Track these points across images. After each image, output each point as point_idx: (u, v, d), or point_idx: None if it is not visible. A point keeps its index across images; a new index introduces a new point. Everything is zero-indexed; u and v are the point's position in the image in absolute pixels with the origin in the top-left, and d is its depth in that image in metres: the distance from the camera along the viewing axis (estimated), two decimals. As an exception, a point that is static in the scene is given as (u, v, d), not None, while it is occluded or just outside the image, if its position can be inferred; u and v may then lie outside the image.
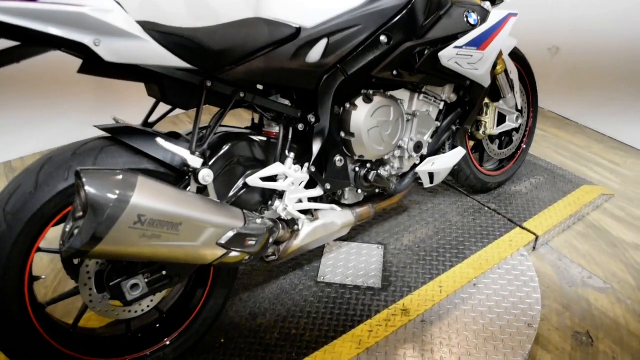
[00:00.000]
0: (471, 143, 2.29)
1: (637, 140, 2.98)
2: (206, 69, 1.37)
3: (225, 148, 1.50)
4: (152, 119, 1.57)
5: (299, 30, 1.52)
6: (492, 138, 2.30)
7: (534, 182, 2.53)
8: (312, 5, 1.55)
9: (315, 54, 1.53)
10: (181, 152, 1.32)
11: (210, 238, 1.28)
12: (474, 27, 1.77)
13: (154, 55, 1.26)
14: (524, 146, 2.46)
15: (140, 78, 1.34)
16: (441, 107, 1.87)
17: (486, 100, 2.13)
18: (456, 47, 1.69)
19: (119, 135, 1.34)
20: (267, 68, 1.46)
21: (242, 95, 1.44)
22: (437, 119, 1.89)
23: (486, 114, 2.13)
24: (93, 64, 1.23)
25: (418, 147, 1.82)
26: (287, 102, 1.59)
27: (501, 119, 2.23)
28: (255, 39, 1.47)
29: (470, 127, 2.02)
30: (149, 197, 1.16)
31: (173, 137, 1.46)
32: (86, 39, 1.14)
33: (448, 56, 1.67)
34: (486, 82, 1.83)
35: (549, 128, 3.21)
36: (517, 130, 2.38)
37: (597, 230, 2.29)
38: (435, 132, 1.90)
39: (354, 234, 2.12)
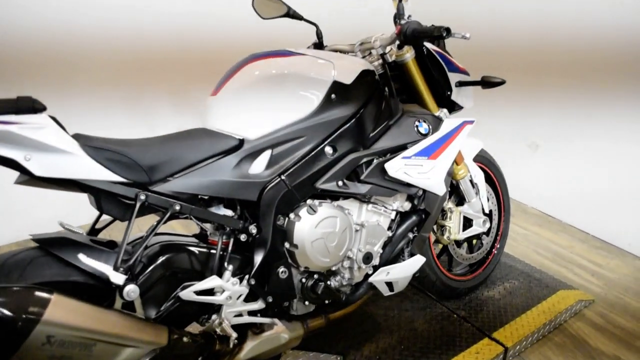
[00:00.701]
0: (440, 246, 2.24)
1: (622, 239, 2.89)
2: (140, 182, 1.37)
3: (160, 260, 1.46)
4: None
5: (241, 141, 1.52)
6: (459, 242, 2.24)
7: (508, 286, 2.44)
8: (256, 117, 1.56)
9: (258, 166, 1.53)
10: (103, 268, 1.29)
11: (128, 358, 1.22)
12: (424, 136, 1.76)
13: (86, 170, 1.27)
14: (495, 251, 2.39)
15: (76, 189, 1.33)
16: (392, 216, 1.83)
17: (450, 205, 2.09)
18: (404, 158, 1.68)
19: (49, 247, 1.32)
20: (207, 179, 1.45)
21: (177, 207, 1.42)
22: (389, 228, 1.84)
23: (450, 218, 2.08)
24: (28, 176, 1.23)
25: (367, 258, 1.76)
26: (229, 213, 1.57)
27: (468, 223, 2.18)
28: (195, 150, 1.47)
29: (428, 234, 1.96)
30: (62, 316, 1.13)
31: (109, 246, 1.43)
32: (16, 155, 1.16)
33: (395, 167, 1.65)
34: (440, 191, 1.80)
35: (530, 226, 3.14)
36: (487, 233, 2.32)
37: (575, 340, 2.17)
38: (389, 241, 1.85)
39: (313, 340, 2.02)
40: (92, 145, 1.29)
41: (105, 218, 1.49)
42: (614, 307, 2.39)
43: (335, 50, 1.99)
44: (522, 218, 3.24)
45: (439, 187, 1.79)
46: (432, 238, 2.15)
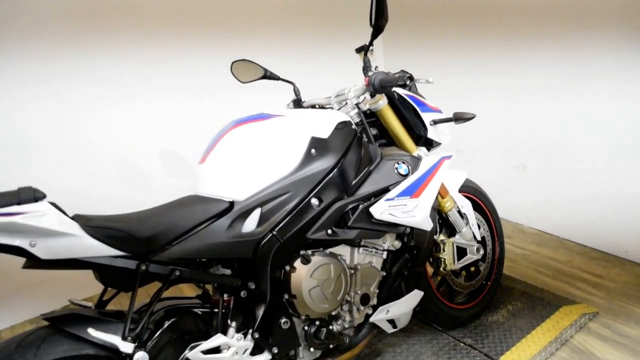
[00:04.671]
0: (439, 278, 2.30)
1: (619, 248, 2.94)
2: (139, 253, 1.46)
3: (166, 324, 1.54)
4: None
5: (232, 203, 1.62)
6: (456, 272, 2.30)
7: (511, 308, 2.49)
8: (243, 179, 1.66)
9: (249, 224, 1.61)
10: (112, 339, 1.37)
11: None
12: (405, 176, 1.85)
13: (88, 248, 1.36)
14: (494, 276, 2.45)
15: (80, 267, 1.42)
16: (384, 256, 1.90)
17: (442, 237, 2.17)
18: (388, 200, 1.76)
19: (60, 324, 1.40)
20: (203, 243, 1.54)
21: (177, 273, 1.51)
22: (383, 268, 1.91)
23: (443, 250, 2.15)
24: (34, 260, 1.32)
25: (365, 299, 1.83)
26: (227, 272, 1.65)
27: (463, 252, 2.25)
28: (189, 217, 1.57)
29: (423, 268, 2.03)
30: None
31: (117, 317, 1.51)
32: (22, 242, 1.26)
33: (380, 209, 1.74)
34: (428, 226, 1.88)
35: (528, 245, 3.20)
36: (482, 259, 2.38)
37: (582, 355, 2.20)
38: (384, 280, 1.92)
39: (326, 386, 2.07)
40: (91, 225, 1.38)
41: (112, 290, 1.58)
42: (618, 316, 2.43)
43: (313, 105, 2.11)
44: (520, 238, 3.30)
45: (426, 223, 1.87)
46: (431, 271, 2.22)
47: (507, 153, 3.41)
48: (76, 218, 1.39)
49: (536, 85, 3.11)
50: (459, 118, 2.00)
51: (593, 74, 2.82)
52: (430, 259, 2.19)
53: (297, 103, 2.17)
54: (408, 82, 1.73)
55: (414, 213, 1.82)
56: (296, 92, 2.16)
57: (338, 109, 1.98)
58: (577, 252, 3.06)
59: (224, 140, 1.73)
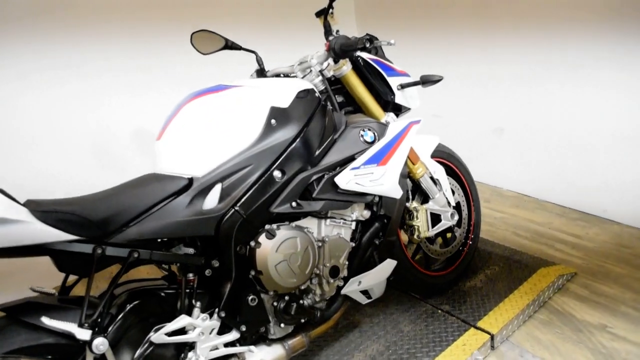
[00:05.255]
0: (415, 245, 2.26)
1: (597, 207, 2.93)
2: (95, 237, 1.40)
3: (128, 308, 1.49)
4: None
5: (191, 180, 1.56)
6: (431, 239, 2.27)
7: (489, 273, 2.47)
8: (201, 154, 1.59)
9: (210, 201, 1.56)
10: (68, 326, 1.32)
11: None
12: (371, 144, 1.79)
13: (39, 234, 1.30)
14: (470, 241, 2.42)
15: (34, 254, 1.36)
16: (353, 226, 1.85)
17: (415, 204, 2.12)
18: (353, 169, 1.71)
19: (16, 314, 1.35)
20: (161, 223, 1.48)
21: (136, 255, 1.45)
22: (353, 239, 1.87)
23: (417, 217, 2.11)
24: None
25: (334, 271, 1.79)
26: (190, 251, 1.60)
27: (437, 219, 2.21)
28: (146, 197, 1.51)
29: (394, 237, 1.99)
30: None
31: (78, 303, 1.46)
32: None
33: (346, 179, 1.69)
34: (397, 194, 1.83)
35: (507, 208, 3.18)
36: (459, 225, 2.35)
37: (561, 316, 2.19)
38: (355, 252, 1.88)
39: (301, 358, 2.05)
40: (41, 210, 1.32)
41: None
42: (596, 276, 2.42)
43: (277, 74, 2.04)
44: (499, 202, 3.27)
45: (395, 191, 1.82)
46: (405, 239, 2.18)
47: (484, 116, 3.36)
48: (27, 204, 1.33)
49: (515, 50, 3.05)
50: (426, 81, 1.94)
51: (574, 42, 2.76)
52: (404, 227, 2.15)
53: (261, 73, 2.09)
54: (368, 45, 1.66)
55: (382, 181, 1.77)
56: (259, 61, 2.08)
57: (302, 77, 1.91)
58: (556, 214, 3.04)
59: (180, 115, 1.66)
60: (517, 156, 3.26)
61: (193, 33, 2.05)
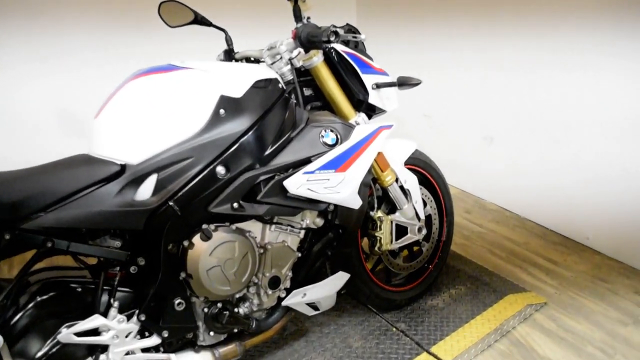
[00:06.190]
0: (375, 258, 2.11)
1: (580, 233, 2.77)
2: (5, 220, 1.25)
3: (35, 302, 1.35)
4: None
5: (123, 167, 1.40)
6: (394, 252, 2.12)
7: (454, 293, 2.32)
8: (137, 139, 1.43)
9: (143, 192, 1.40)
10: None
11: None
12: (332, 147, 1.63)
13: None
14: (437, 259, 2.26)
15: None
16: (302, 235, 1.70)
17: (379, 214, 1.97)
18: (307, 173, 1.54)
19: None
20: (84, 212, 1.33)
21: (49, 245, 1.31)
22: (300, 248, 1.71)
23: (380, 228, 1.96)
24: None
25: (274, 282, 1.63)
26: (117, 243, 1.45)
27: (404, 232, 2.05)
28: (70, 180, 1.36)
29: (349, 249, 1.84)
30: None
31: None
32: None
33: (296, 184, 1.52)
34: (355, 204, 1.67)
35: (487, 222, 3.02)
36: (427, 239, 2.20)
37: (522, 349, 2.05)
38: (303, 262, 1.72)
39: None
40: None
41: None
42: (567, 309, 2.27)
43: (247, 57, 1.87)
44: (480, 214, 3.12)
45: (353, 201, 1.66)
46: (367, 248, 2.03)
47: (475, 122, 3.19)
48: None
49: (510, 59, 2.87)
50: (403, 83, 1.77)
51: (569, 49, 2.58)
52: (366, 238, 2.00)
53: (229, 54, 1.92)
54: (332, 38, 1.50)
55: (339, 189, 1.60)
56: (228, 41, 1.91)
57: (271, 64, 1.73)
58: (536, 234, 2.88)
59: (121, 93, 1.49)
60: (505, 168, 3.09)
61: (161, 3, 1.88)
